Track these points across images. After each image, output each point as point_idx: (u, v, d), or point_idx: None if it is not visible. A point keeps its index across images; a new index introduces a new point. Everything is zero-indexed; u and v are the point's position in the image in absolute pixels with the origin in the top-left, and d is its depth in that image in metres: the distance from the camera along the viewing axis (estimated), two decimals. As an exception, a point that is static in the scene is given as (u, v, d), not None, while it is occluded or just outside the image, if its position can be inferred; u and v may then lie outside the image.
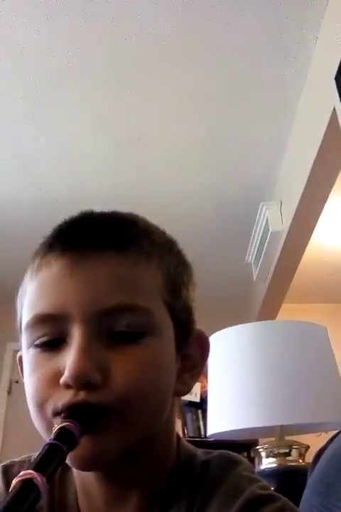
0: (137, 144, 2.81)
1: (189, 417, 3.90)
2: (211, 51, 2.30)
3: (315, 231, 2.99)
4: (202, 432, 3.82)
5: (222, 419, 1.48)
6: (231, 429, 1.44)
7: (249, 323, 1.63)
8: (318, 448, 0.76)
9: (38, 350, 0.54)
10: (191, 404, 3.80)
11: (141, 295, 0.55)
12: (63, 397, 0.51)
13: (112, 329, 0.53)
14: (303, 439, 1.55)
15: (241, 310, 4.40)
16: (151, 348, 0.54)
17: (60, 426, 0.48)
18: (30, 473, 0.41)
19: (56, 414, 0.52)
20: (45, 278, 0.56)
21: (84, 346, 0.51)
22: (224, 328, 1.57)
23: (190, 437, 3.79)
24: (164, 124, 2.70)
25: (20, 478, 0.41)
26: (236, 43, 2.26)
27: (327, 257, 3.97)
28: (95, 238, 0.56)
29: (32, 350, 0.55)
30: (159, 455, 0.60)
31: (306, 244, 3.09)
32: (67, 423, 0.48)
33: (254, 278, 3.68)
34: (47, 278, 0.55)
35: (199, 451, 0.65)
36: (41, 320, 0.54)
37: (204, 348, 0.63)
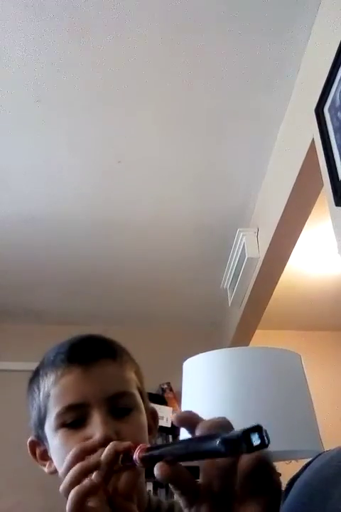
0: (117, 167, 2.81)
1: (159, 442, 3.86)
2: (192, 79, 2.32)
3: (290, 259, 3.02)
4: (173, 457, 3.78)
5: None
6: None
7: (223, 349, 1.62)
8: (290, 475, 0.76)
9: (66, 428, 0.81)
10: (161, 429, 3.77)
11: (128, 385, 0.87)
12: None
13: (115, 407, 0.82)
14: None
15: (215, 335, 4.40)
16: (139, 418, 0.85)
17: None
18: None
19: None
20: (68, 381, 0.84)
21: (103, 420, 0.79)
22: (198, 352, 1.56)
23: (160, 462, 3.75)
24: (144, 148, 2.72)
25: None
26: (217, 71, 2.29)
27: (302, 285, 4.02)
28: (98, 354, 0.87)
29: (62, 430, 0.81)
30: (141, 496, 0.85)
31: (281, 271, 3.12)
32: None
33: (229, 303, 3.69)
34: (70, 381, 0.83)
35: (162, 499, 0.95)
36: (69, 409, 0.81)
37: (155, 417, 0.96)
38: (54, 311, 4.38)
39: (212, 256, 3.62)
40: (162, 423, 3.71)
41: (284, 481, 0.77)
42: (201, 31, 2.11)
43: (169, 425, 3.83)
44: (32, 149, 2.69)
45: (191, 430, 0.58)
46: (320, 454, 0.71)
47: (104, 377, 0.84)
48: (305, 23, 2.08)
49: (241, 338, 3.88)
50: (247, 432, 0.47)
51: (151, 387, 3.86)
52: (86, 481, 0.64)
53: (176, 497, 0.59)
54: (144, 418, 0.87)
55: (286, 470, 1.25)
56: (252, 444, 0.46)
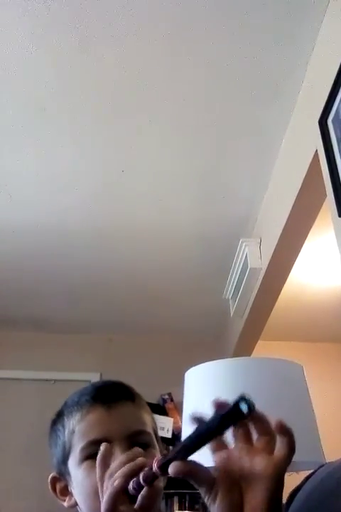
0: (121, 176, 2.82)
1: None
2: (196, 90, 2.33)
3: (292, 270, 3.02)
4: (173, 468, 3.75)
5: (195, 455, 1.46)
6: (205, 466, 1.42)
7: (225, 359, 1.61)
8: (291, 488, 0.75)
9: (90, 461, 0.88)
10: (162, 440, 3.74)
11: (145, 425, 0.95)
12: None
13: (134, 443, 0.88)
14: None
15: (217, 345, 4.39)
16: (155, 454, 0.91)
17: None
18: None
19: None
20: (93, 418, 0.93)
21: (124, 454, 0.82)
22: (200, 362, 1.55)
23: (160, 473, 3.72)
24: (148, 158, 2.72)
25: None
26: (221, 83, 2.30)
27: (304, 296, 4.01)
28: (119, 395, 0.96)
29: (85, 463, 0.89)
30: None
31: (284, 282, 3.11)
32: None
33: (231, 314, 3.68)
34: (94, 418, 0.93)
35: None
36: (93, 443, 0.89)
37: None
38: (55, 319, 4.38)
39: (215, 266, 3.61)
40: (162, 434, 3.70)
41: (285, 493, 0.76)
42: (206, 44, 2.12)
43: (170, 436, 3.81)
44: (36, 158, 2.69)
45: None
46: (321, 466, 0.70)
47: (124, 417, 0.94)
48: (309, 35, 2.09)
49: (243, 348, 3.87)
50: (236, 403, 0.57)
51: (152, 397, 3.85)
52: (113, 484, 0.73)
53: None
54: (159, 455, 0.93)
55: (287, 481, 1.24)
56: (242, 411, 0.57)
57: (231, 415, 0.58)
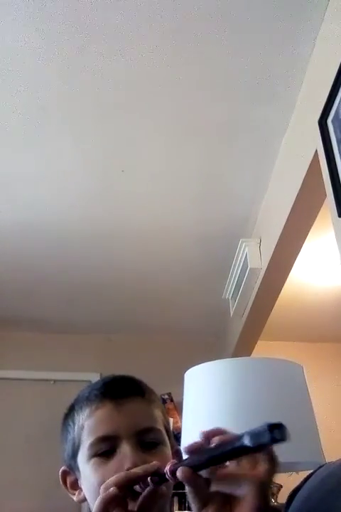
0: (120, 176, 2.81)
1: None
2: (196, 91, 2.33)
3: (292, 270, 3.02)
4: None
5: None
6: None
7: (224, 360, 1.62)
8: (291, 487, 0.75)
9: (98, 457, 0.88)
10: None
11: (155, 421, 0.94)
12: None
13: (143, 441, 0.89)
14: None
15: (216, 345, 4.39)
16: (165, 452, 0.92)
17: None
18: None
19: None
20: (102, 414, 0.92)
21: (132, 451, 0.86)
22: (200, 362, 1.55)
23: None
24: (148, 157, 2.72)
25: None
26: (221, 83, 2.30)
27: (304, 296, 4.01)
28: (129, 391, 0.95)
29: (94, 459, 0.89)
30: None
31: (284, 282, 3.11)
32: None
33: (231, 314, 3.68)
34: (103, 414, 0.92)
35: None
36: (101, 440, 0.89)
37: (179, 456, 0.98)
38: (54, 319, 4.38)
39: (214, 266, 3.61)
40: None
41: (285, 493, 0.76)
42: (206, 44, 2.12)
43: (170, 436, 3.81)
44: (34, 157, 2.69)
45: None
46: (321, 466, 0.70)
47: (133, 413, 0.93)
48: (309, 36, 2.09)
49: (243, 348, 3.87)
50: (271, 427, 0.52)
51: (152, 397, 3.84)
52: (108, 491, 0.74)
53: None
54: (170, 453, 0.94)
55: (287, 482, 1.24)
56: (275, 437, 0.51)
57: (261, 435, 0.54)
